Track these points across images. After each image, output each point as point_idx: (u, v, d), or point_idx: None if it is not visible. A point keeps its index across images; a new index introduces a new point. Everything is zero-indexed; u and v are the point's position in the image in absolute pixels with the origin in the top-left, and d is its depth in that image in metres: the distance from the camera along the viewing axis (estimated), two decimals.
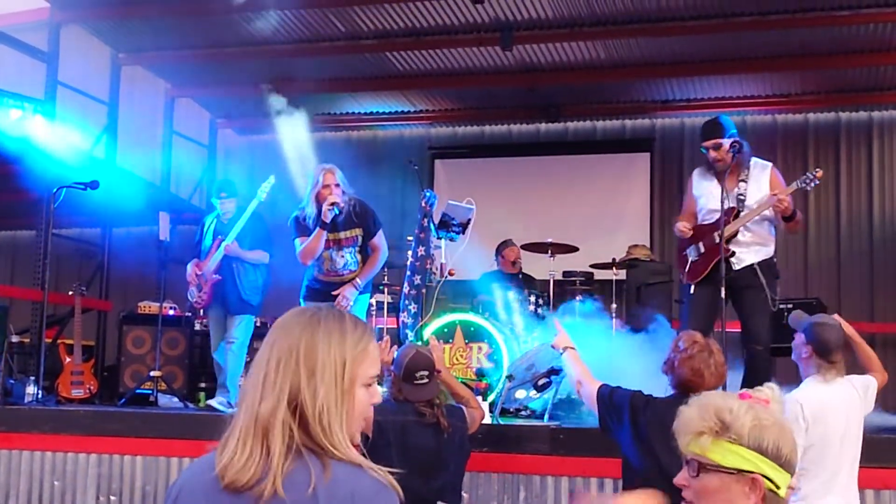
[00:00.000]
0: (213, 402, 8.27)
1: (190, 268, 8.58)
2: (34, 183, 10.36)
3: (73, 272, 12.30)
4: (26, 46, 10.98)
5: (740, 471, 2.31)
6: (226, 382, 8.35)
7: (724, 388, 4.65)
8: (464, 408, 5.36)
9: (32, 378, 8.70)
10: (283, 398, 2.10)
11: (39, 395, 8.43)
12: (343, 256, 7.56)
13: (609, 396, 4.70)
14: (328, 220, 7.32)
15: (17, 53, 10.91)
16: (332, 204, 7.28)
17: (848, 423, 4.98)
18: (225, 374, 8.39)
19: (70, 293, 10.20)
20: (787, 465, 2.34)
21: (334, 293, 7.49)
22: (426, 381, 5.02)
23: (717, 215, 6.63)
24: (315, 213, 7.43)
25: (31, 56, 11.01)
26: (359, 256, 7.62)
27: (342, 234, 7.52)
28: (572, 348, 5.15)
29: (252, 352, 8.66)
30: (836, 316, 5.50)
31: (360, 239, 7.59)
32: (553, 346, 5.28)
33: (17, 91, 10.34)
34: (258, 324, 9.93)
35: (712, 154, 6.74)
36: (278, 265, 8.78)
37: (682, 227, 6.87)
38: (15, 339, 10.42)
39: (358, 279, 7.57)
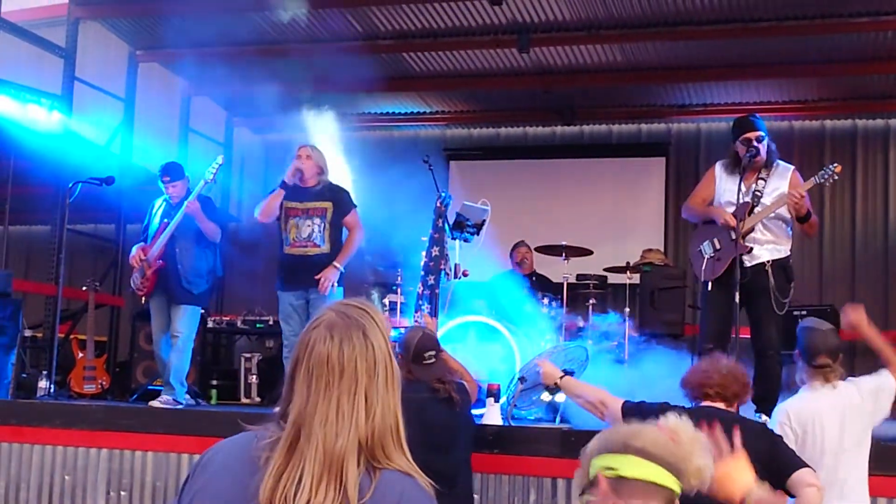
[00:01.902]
0: (156, 403, 7.92)
1: (135, 251, 8.29)
2: (50, 178, 10.42)
3: (87, 268, 12.33)
4: (44, 42, 11.03)
5: None
6: (170, 380, 8.07)
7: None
8: (463, 382, 5.47)
9: (45, 372, 8.74)
10: (359, 431, 2.06)
11: (52, 390, 8.47)
12: (309, 226, 7.72)
13: (637, 409, 4.62)
14: (290, 182, 7.69)
15: (35, 49, 10.96)
16: (297, 169, 7.72)
17: (844, 430, 4.85)
18: (169, 371, 8.09)
19: (84, 288, 10.23)
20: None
21: (316, 277, 7.59)
22: (433, 360, 5.22)
23: (733, 210, 6.60)
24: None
25: (48, 52, 11.06)
26: (326, 232, 7.74)
27: (310, 204, 7.77)
28: (564, 375, 5.14)
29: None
30: (851, 313, 5.39)
31: (329, 213, 7.75)
32: (545, 384, 5.29)
33: (34, 86, 10.38)
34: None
35: (755, 146, 6.64)
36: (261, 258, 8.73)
37: (729, 218, 6.61)
38: (28, 333, 10.46)
39: (336, 262, 7.70)
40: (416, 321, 7.80)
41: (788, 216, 6.68)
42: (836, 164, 6.67)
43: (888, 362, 5.15)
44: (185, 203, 8.04)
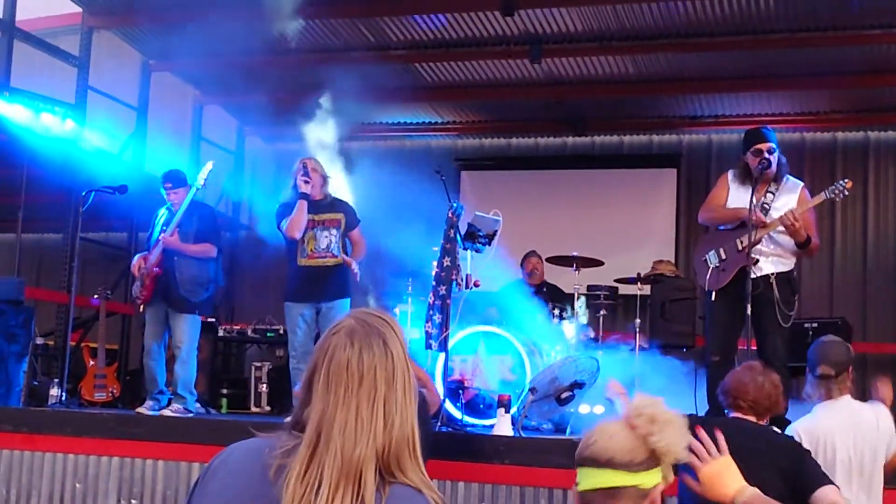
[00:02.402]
0: (166, 412, 7.96)
1: (135, 260, 8.35)
2: (62, 186, 10.45)
3: (99, 276, 12.36)
4: (58, 51, 11.09)
5: None
6: (179, 390, 8.08)
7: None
8: (423, 390, 5.50)
9: (56, 380, 8.76)
10: (377, 440, 2.05)
11: (63, 398, 8.47)
12: (327, 237, 7.82)
13: None
14: (306, 191, 7.71)
15: (48, 58, 11.02)
16: (305, 177, 7.75)
17: (856, 446, 4.77)
18: (176, 383, 8.09)
19: (95, 297, 10.26)
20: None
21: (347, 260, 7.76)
22: None
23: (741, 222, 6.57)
24: (295, 195, 7.82)
25: (62, 61, 11.12)
26: (341, 243, 7.87)
27: (325, 216, 7.86)
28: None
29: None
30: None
31: (342, 225, 7.89)
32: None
33: (48, 95, 10.43)
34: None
35: (766, 157, 6.62)
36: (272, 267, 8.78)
37: (759, 215, 6.51)
38: (40, 341, 10.49)
39: (353, 263, 7.88)
40: (426, 332, 7.80)
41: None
42: (846, 180, 6.62)
43: None
44: (161, 238, 8.06)
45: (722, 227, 6.80)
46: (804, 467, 4.21)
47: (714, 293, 6.66)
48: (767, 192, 6.68)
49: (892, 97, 12.16)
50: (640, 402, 2.58)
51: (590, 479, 2.52)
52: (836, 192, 6.56)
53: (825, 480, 4.09)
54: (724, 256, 6.65)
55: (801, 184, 6.85)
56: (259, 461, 2.10)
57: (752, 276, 6.47)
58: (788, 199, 6.69)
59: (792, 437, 4.69)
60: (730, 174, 6.96)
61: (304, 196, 7.74)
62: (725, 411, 4.51)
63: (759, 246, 6.58)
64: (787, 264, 6.70)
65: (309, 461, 2.04)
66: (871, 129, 12.93)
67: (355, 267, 7.86)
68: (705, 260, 6.77)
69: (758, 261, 6.55)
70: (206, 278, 8.29)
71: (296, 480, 2.01)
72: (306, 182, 7.75)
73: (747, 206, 6.50)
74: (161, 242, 8.10)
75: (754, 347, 6.66)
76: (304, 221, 7.74)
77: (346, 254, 7.93)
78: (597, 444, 2.52)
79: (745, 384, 4.37)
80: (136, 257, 8.40)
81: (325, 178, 7.99)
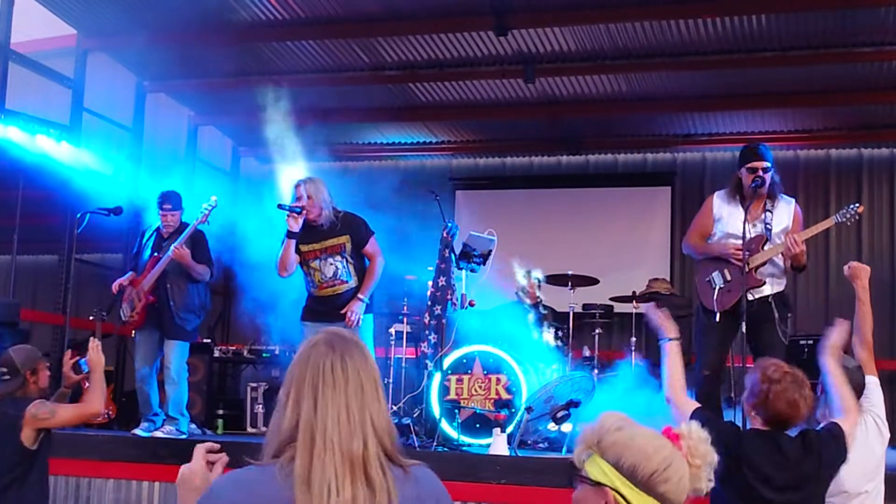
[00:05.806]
0: (159, 433, 7.97)
1: (126, 280, 8.35)
2: (58, 208, 10.44)
3: (94, 297, 12.33)
4: (53, 73, 11.10)
5: (597, 482, 2.45)
6: (171, 412, 8.10)
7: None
8: (39, 402, 5.62)
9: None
10: (372, 432, 2.24)
11: None
12: (332, 264, 7.39)
13: (705, 427, 4.41)
14: (294, 230, 7.24)
15: (44, 80, 11.03)
16: (294, 214, 7.24)
17: (867, 464, 4.81)
18: (168, 405, 8.13)
19: (90, 318, 10.24)
20: (645, 487, 2.42)
21: (342, 311, 7.31)
22: (7, 377, 5.66)
23: (738, 241, 6.57)
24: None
25: (57, 82, 11.13)
26: (350, 266, 7.44)
27: (328, 243, 7.39)
28: (677, 339, 4.70)
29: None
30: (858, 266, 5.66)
31: (347, 247, 7.42)
32: (660, 328, 4.78)
33: (43, 117, 10.43)
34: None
35: (760, 176, 6.63)
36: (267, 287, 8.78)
37: (736, 252, 6.56)
38: None
39: (360, 294, 7.39)
40: (422, 352, 7.79)
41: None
42: (858, 204, 6.62)
43: (860, 330, 5.48)
44: (172, 248, 8.00)
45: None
46: (832, 443, 4.27)
47: (718, 314, 6.65)
48: (766, 210, 6.69)
49: (885, 114, 12.20)
50: (697, 437, 2.57)
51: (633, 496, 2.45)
52: (847, 216, 6.55)
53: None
54: (728, 277, 6.65)
55: (793, 201, 6.87)
56: (259, 492, 2.18)
57: (752, 297, 6.50)
58: (782, 218, 6.71)
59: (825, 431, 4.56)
60: (716, 196, 6.96)
61: (292, 235, 7.28)
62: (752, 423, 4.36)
63: (765, 268, 6.61)
64: (783, 284, 6.74)
65: (310, 463, 2.16)
66: (865, 146, 12.95)
67: (354, 315, 7.31)
68: (709, 281, 6.76)
69: (764, 283, 6.58)
70: (198, 305, 8.35)
71: (301, 483, 2.14)
72: (294, 220, 7.25)
73: (741, 229, 6.52)
74: (166, 259, 8.06)
75: (749, 364, 6.67)
76: (290, 260, 7.33)
77: (361, 274, 7.51)
78: (669, 482, 2.44)
79: (797, 403, 4.15)
80: (125, 278, 8.40)
81: (322, 199, 7.36)
